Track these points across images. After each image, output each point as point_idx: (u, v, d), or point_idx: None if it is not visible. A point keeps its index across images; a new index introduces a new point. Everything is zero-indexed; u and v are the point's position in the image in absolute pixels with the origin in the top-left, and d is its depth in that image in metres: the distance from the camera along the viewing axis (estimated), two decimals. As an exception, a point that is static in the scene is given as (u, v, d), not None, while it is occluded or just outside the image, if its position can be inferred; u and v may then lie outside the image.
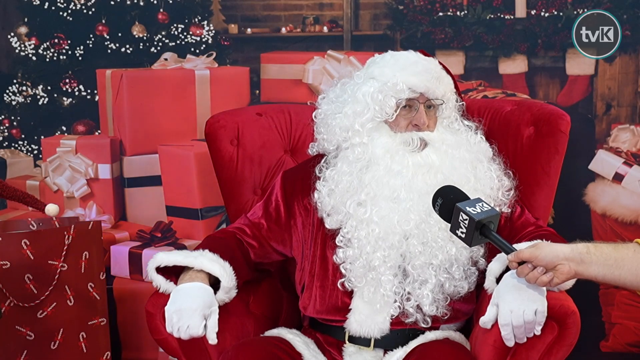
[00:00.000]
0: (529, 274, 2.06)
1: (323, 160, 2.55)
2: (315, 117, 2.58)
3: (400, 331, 2.43)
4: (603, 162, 3.29)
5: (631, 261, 2.01)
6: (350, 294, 2.45)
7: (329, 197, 2.47)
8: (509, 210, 2.50)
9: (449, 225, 2.16)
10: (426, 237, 2.39)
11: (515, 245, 2.19)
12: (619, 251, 2.03)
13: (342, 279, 2.44)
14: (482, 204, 2.12)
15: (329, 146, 2.53)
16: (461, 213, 2.10)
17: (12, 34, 3.48)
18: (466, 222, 2.09)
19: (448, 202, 2.17)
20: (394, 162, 2.42)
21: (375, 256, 2.39)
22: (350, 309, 2.44)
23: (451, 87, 2.53)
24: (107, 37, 3.45)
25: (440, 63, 2.54)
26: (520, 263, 2.08)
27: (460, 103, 2.57)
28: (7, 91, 3.50)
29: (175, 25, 3.44)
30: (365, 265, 2.40)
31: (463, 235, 2.11)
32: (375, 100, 2.44)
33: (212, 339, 2.32)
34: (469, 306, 2.49)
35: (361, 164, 2.45)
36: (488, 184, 2.47)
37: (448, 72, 2.55)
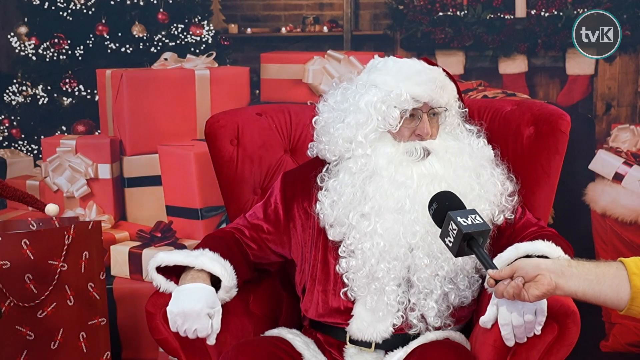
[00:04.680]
0: (506, 288, 1.98)
1: (325, 170, 2.52)
2: (315, 123, 2.54)
3: (402, 334, 2.42)
4: (603, 162, 3.29)
5: (613, 278, 1.95)
6: (352, 299, 2.44)
7: (332, 209, 2.44)
8: (513, 216, 2.48)
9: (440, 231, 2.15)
10: (432, 248, 2.36)
11: (512, 249, 2.20)
12: (600, 268, 1.97)
13: (345, 289, 2.43)
14: (475, 216, 2.08)
15: (331, 156, 2.49)
16: (451, 222, 2.07)
17: (12, 33, 3.48)
18: (454, 232, 2.06)
19: (442, 208, 2.15)
20: (397, 172, 2.40)
21: (379, 267, 2.37)
22: (352, 315, 2.43)
23: (454, 94, 2.50)
24: (107, 37, 3.45)
25: (444, 70, 2.51)
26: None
27: (464, 110, 2.56)
28: (7, 91, 3.50)
29: (175, 25, 3.44)
30: (368, 275, 2.38)
31: (450, 245, 2.09)
32: (378, 111, 2.40)
33: (212, 341, 2.32)
34: (470, 309, 2.49)
35: (364, 175, 2.42)
36: (492, 190, 2.44)
37: (452, 78, 2.51)
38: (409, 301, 2.39)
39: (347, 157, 2.46)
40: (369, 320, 2.40)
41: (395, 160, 2.41)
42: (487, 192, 2.43)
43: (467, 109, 2.58)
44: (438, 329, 2.41)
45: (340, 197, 2.43)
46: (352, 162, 2.44)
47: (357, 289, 2.40)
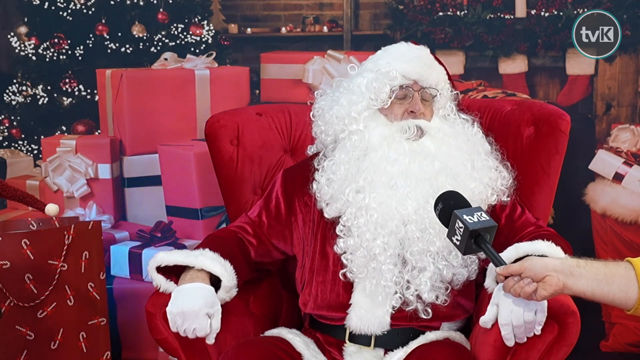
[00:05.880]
0: (514, 286, 1.99)
1: (321, 154, 2.56)
2: (312, 115, 2.59)
3: (401, 330, 2.42)
4: (603, 162, 3.29)
5: (621, 278, 1.95)
6: (350, 288, 2.45)
7: (328, 187, 2.48)
8: (508, 200, 2.50)
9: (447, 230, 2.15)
10: (424, 223, 2.38)
11: (512, 249, 2.19)
12: (609, 267, 1.97)
13: (344, 270, 2.43)
14: (481, 214, 2.10)
15: (327, 137, 2.54)
16: (458, 220, 2.08)
17: (12, 33, 3.48)
18: (461, 230, 2.07)
19: (448, 207, 2.16)
20: (390, 149, 2.43)
21: (375, 244, 2.39)
22: (351, 304, 2.44)
23: (444, 78, 2.55)
24: (107, 37, 3.45)
25: (432, 53, 2.56)
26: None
27: (455, 92, 2.58)
28: (7, 91, 3.50)
29: (175, 25, 3.44)
30: (366, 255, 2.39)
31: (458, 243, 2.10)
32: (369, 89, 2.47)
33: (211, 340, 2.33)
34: (469, 302, 2.49)
35: (358, 151, 2.46)
36: (486, 174, 2.47)
37: (440, 62, 2.57)
38: (404, 279, 2.40)
39: (342, 138, 2.51)
40: (367, 307, 2.41)
41: (388, 138, 2.45)
42: (481, 174, 2.46)
43: (459, 93, 2.61)
44: (436, 316, 2.41)
45: (336, 173, 2.47)
46: (347, 140, 2.49)
47: (356, 269, 2.41)
